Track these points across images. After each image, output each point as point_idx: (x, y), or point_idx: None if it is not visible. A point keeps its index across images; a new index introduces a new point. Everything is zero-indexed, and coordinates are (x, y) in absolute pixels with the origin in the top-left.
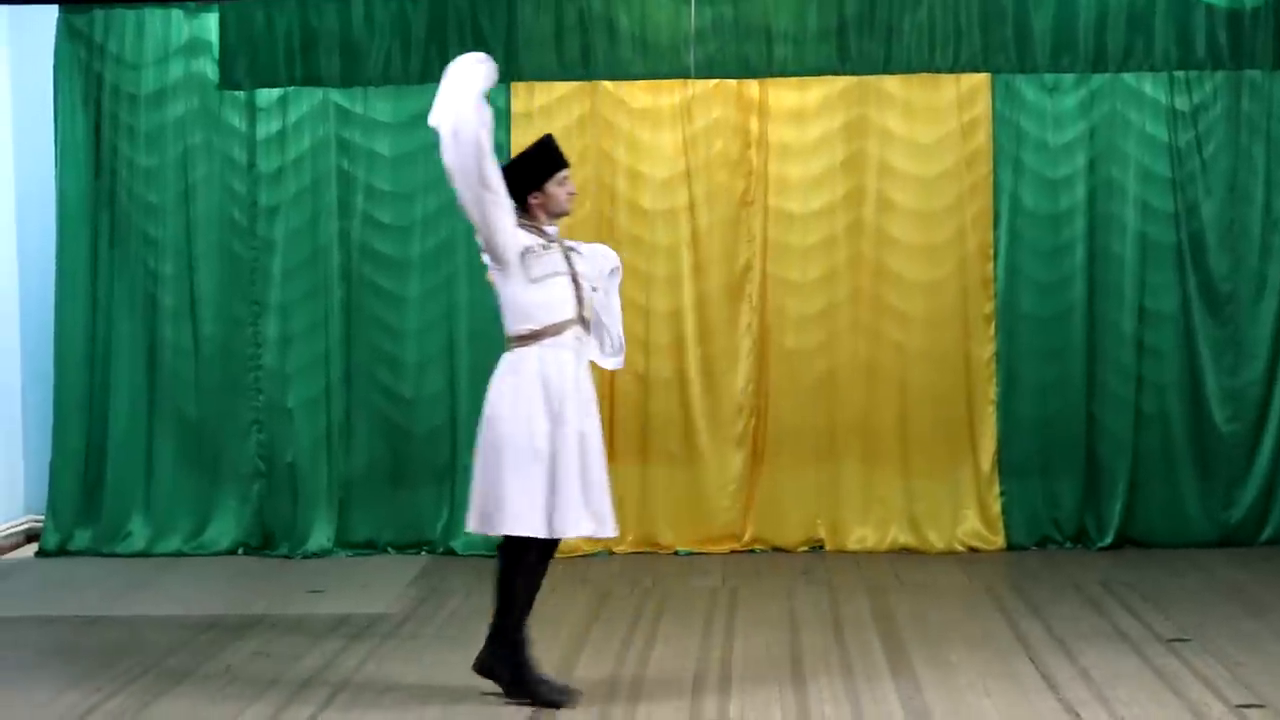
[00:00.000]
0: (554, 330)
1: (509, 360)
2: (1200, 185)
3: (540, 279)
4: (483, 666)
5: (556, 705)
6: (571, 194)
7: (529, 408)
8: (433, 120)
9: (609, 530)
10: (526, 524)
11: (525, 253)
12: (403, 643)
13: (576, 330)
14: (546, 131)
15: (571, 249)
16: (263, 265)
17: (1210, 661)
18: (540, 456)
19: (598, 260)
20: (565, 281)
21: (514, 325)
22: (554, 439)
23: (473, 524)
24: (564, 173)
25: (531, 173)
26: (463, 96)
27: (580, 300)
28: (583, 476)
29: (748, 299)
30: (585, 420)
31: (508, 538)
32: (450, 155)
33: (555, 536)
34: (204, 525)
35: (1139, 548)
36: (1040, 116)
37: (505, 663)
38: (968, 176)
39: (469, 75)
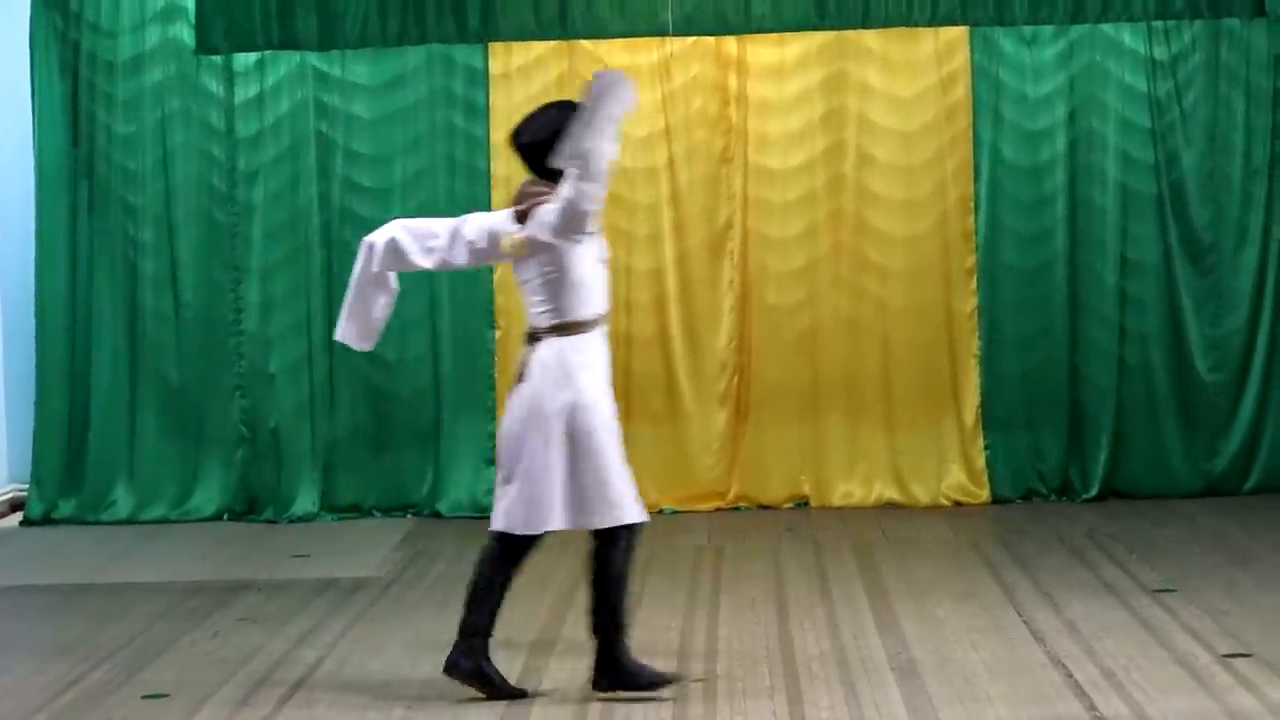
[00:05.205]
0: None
1: (590, 346)
2: (1180, 135)
3: (599, 259)
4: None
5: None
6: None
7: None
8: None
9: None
10: (635, 512)
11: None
12: (390, 605)
13: None
14: (530, 90)
15: None
16: (242, 230)
17: (1196, 611)
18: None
19: None
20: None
21: (590, 308)
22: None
23: (592, 519)
24: None
25: None
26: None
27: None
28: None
29: (729, 256)
30: None
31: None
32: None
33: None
34: (188, 492)
35: (1123, 499)
36: (1019, 68)
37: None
38: (947, 130)
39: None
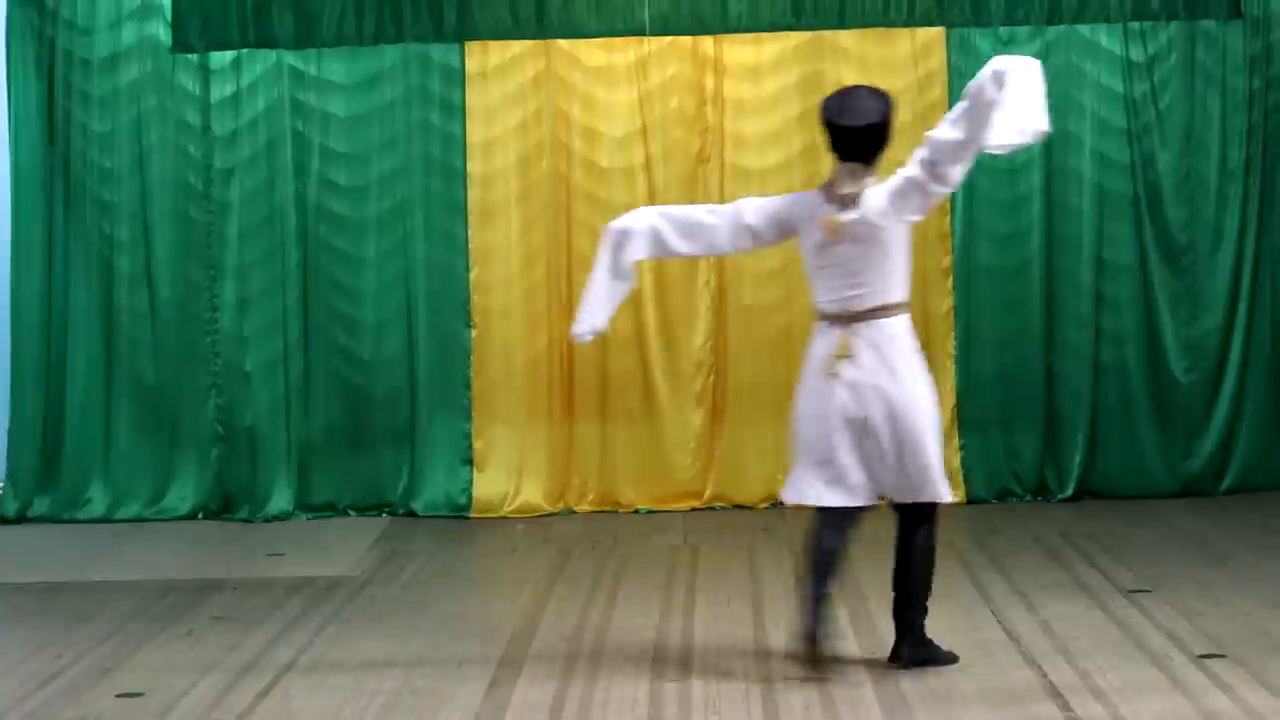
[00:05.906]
0: None
1: (907, 327)
2: (1156, 136)
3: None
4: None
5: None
6: None
7: None
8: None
9: None
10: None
11: None
12: (365, 604)
13: None
14: (506, 89)
15: None
16: (218, 229)
17: (1171, 612)
18: None
19: None
20: None
21: (905, 290)
22: None
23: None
24: None
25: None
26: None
27: None
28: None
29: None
30: None
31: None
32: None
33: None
34: (163, 490)
35: (1099, 499)
36: None
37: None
38: (923, 130)
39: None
